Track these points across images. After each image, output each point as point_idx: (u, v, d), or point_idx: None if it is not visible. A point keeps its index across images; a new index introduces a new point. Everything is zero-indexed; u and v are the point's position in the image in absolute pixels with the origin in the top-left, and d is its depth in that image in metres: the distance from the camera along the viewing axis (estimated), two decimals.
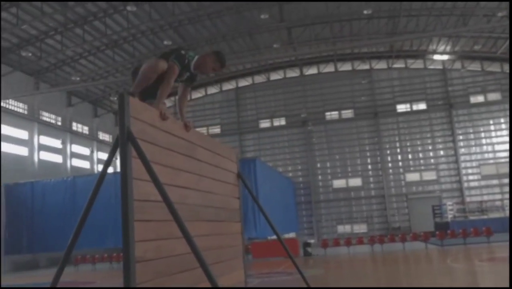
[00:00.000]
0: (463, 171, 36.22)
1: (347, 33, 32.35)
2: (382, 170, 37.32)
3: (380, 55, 38.19)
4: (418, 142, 37.54)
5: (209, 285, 3.56)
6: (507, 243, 17.95)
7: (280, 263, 17.94)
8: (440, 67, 38.02)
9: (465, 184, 36.03)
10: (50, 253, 24.23)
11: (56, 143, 31.88)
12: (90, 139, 36.19)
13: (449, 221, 30.21)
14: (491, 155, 35.94)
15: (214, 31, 30.36)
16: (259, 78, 40.31)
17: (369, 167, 37.88)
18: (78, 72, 31.36)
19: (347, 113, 38.94)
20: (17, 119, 28.43)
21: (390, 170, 37.57)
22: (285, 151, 39.32)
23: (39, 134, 30.03)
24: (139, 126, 3.79)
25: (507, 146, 33.94)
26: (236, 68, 38.73)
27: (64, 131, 32.81)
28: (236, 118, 40.28)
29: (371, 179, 37.78)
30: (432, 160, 37.19)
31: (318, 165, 38.62)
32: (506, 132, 34.98)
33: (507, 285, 8.23)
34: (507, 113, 34.39)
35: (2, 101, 27.33)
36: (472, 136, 36.78)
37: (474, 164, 36.35)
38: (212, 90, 41.06)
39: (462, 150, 36.55)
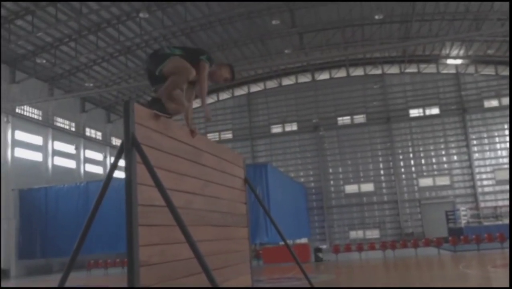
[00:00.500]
0: (477, 176, 35.84)
1: (359, 38, 32.20)
2: (394, 175, 37.07)
3: (392, 59, 38.00)
4: (431, 147, 37.25)
5: None
6: None
7: (291, 269, 17.86)
8: (453, 71, 37.71)
9: (479, 189, 35.63)
10: (63, 258, 24.47)
11: (70, 148, 32.24)
12: (103, 145, 36.53)
13: (463, 226, 29.80)
14: (505, 160, 35.35)
15: (226, 37, 30.51)
16: (271, 84, 40.37)
17: (382, 172, 37.65)
18: (92, 79, 31.73)
19: (359, 118, 38.78)
20: (32, 125, 28.84)
21: (403, 175, 37.31)
22: (296, 156, 39.26)
23: (53, 140, 30.40)
24: (144, 132, 3.85)
25: None
26: (248, 73, 38.81)
27: (77, 137, 33.18)
28: (248, 124, 40.35)
29: (383, 184, 37.56)
30: (445, 165, 36.85)
31: (330, 170, 38.49)
32: None
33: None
34: None
35: (17, 107, 27.78)
36: (486, 140, 36.42)
37: (488, 169, 35.97)
38: (224, 95, 41.21)
39: (476, 155, 36.18)
